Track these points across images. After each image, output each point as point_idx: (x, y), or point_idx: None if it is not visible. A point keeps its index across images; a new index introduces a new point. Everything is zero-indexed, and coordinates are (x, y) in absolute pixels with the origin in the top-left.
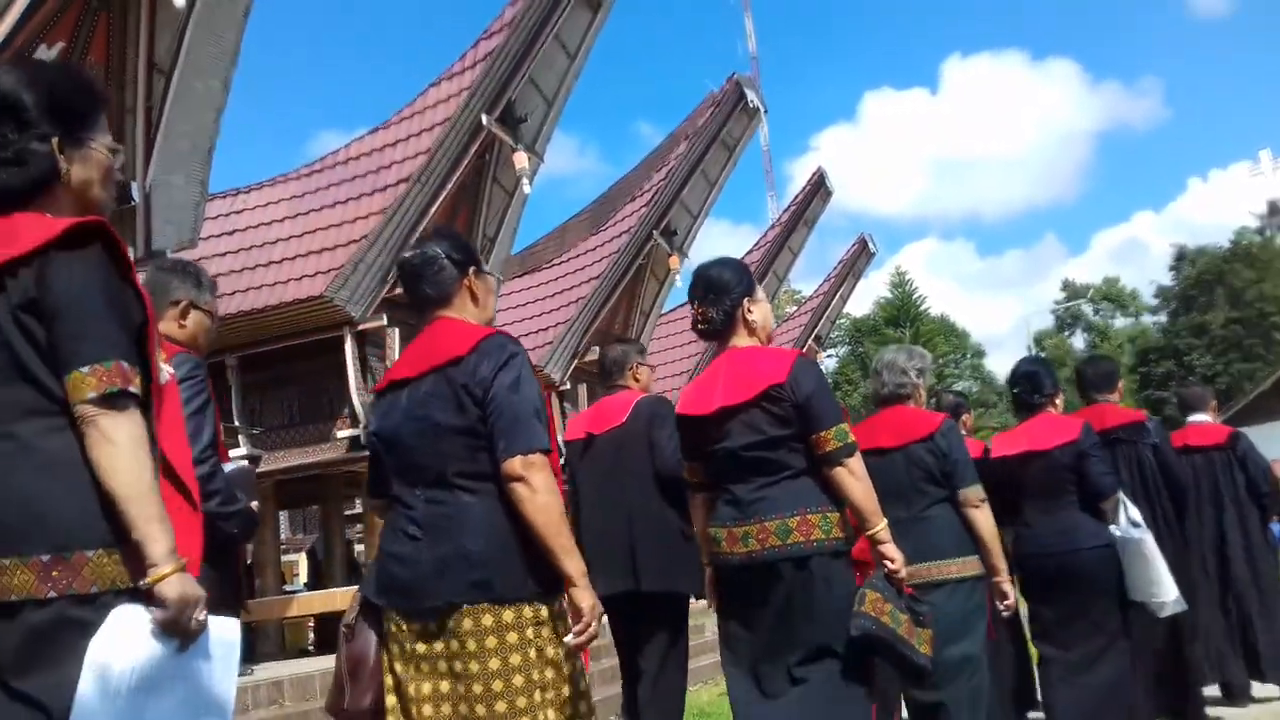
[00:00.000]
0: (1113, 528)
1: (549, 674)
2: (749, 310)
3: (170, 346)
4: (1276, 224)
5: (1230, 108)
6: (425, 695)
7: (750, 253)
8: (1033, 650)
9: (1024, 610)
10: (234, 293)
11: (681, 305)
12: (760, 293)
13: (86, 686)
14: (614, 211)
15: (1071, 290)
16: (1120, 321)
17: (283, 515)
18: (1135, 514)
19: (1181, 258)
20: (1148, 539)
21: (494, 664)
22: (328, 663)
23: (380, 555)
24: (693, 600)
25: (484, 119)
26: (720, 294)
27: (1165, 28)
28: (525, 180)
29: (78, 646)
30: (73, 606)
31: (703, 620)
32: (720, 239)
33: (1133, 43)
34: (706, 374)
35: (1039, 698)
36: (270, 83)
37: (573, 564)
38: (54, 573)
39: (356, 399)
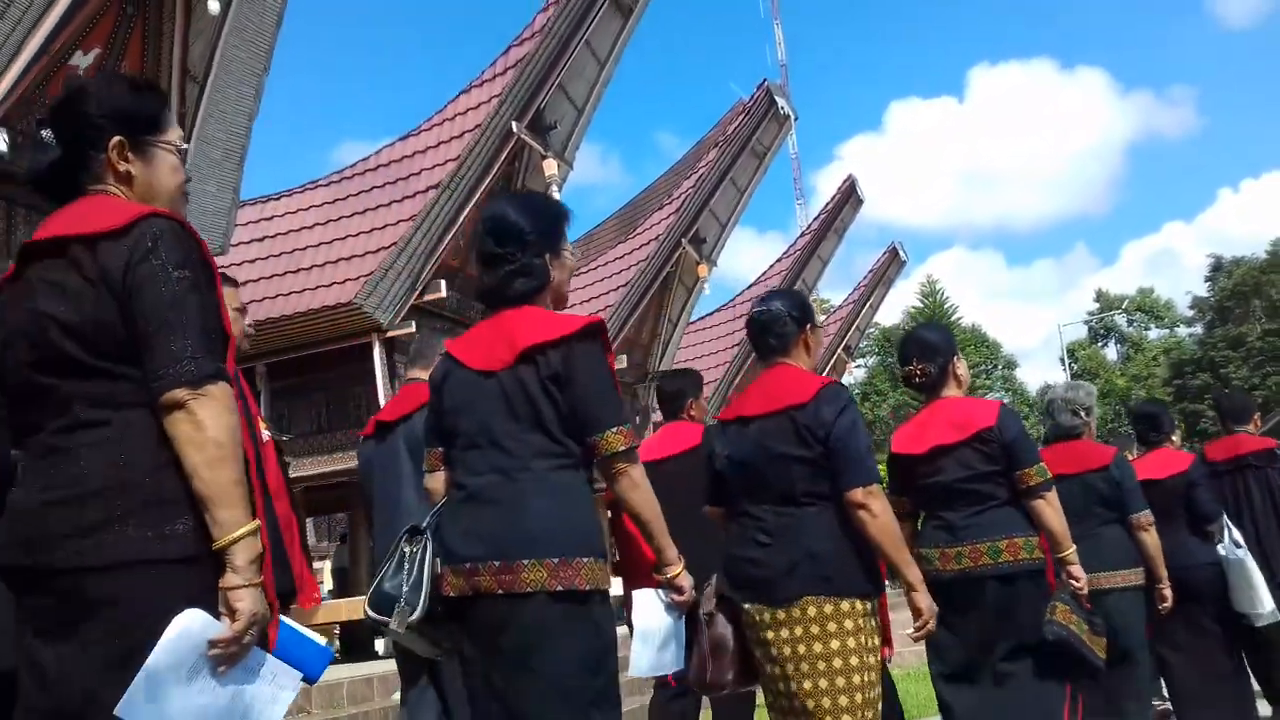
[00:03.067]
0: (1219, 547)
1: (872, 658)
2: (957, 367)
3: None
4: None
5: (1262, 118)
6: (775, 675)
7: (779, 261)
8: None
9: None
10: (264, 299)
11: (710, 314)
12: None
13: (637, 642)
14: (642, 219)
15: (1105, 301)
16: (1155, 333)
17: (310, 522)
18: (1238, 535)
19: (1218, 268)
20: (1248, 559)
21: (835, 644)
22: (354, 671)
23: (731, 557)
24: None
25: (514, 126)
26: (934, 353)
27: (1196, 38)
28: (555, 187)
29: (573, 629)
30: (571, 600)
31: None
32: (746, 247)
33: (1163, 52)
34: (919, 419)
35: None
36: (291, 93)
37: (912, 573)
38: (561, 573)
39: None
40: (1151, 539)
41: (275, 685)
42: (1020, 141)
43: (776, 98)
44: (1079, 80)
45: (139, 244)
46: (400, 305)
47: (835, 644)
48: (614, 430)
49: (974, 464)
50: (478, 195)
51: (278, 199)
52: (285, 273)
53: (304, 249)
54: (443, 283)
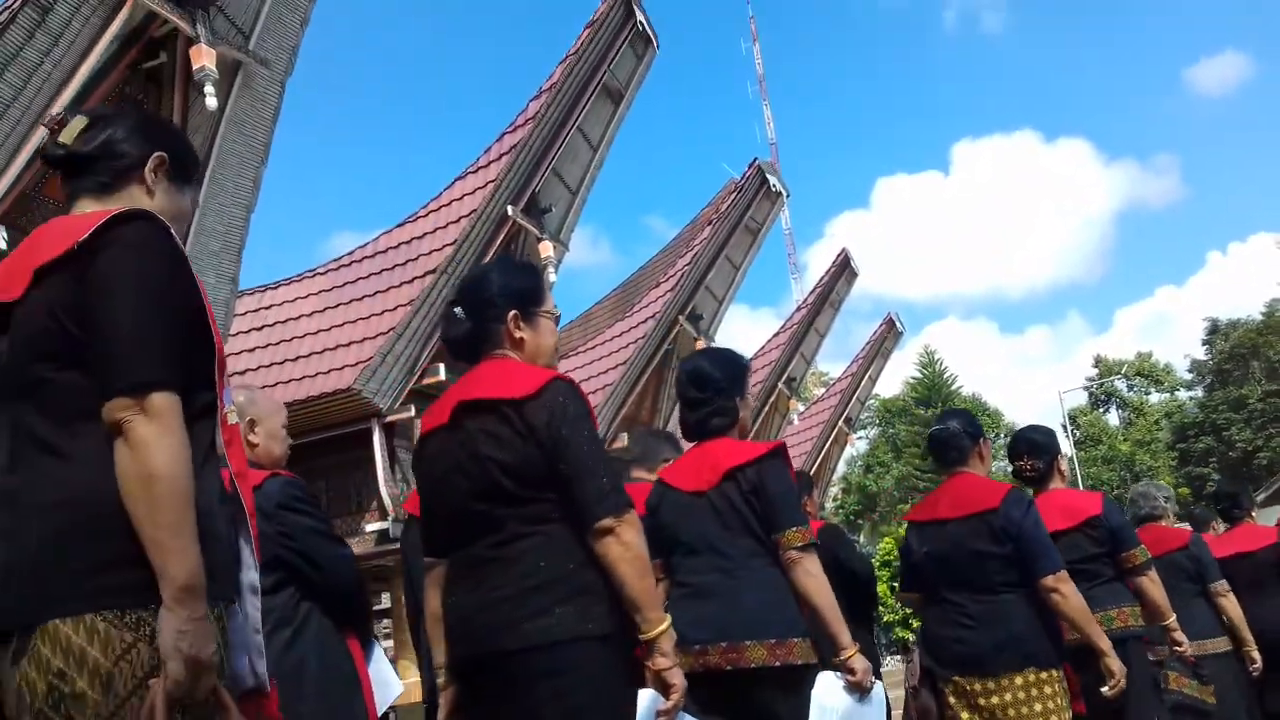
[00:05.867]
0: None
1: (1067, 714)
2: (1060, 463)
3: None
4: None
5: (1245, 182)
6: None
7: (777, 335)
8: None
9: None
10: (263, 387)
11: None
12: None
13: (814, 714)
14: (639, 297)
15: (1104, 366)
16: (1155, 397)
17: None
18: None
19: (1214, 331)
20: None
21: (1038, 707)
22: None
23: (936, 636)
24: None
25: (509, 210)
26: (1043, 451)
27: (1176, 107)
28: (551, 269)
29: (789, 697)
30: (788, 674)
31: None
32: (740, 323)
33: (1145, 121)
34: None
35: None
36: (283, 184)
37: (1104, 642)
38: (778, 650)
39: (385, 491)
40: (1231, 604)
41: None
42: (1007, 212)
43: (768, 175)
44: (1063, 151)
45: (554, 405)
46: (399, 390)
47: (1038, 706)
48: (793, 529)
49: (1084, 546)
50: None
51: (275, 288)
52: (284, 360)
53: (302, 336)
54: (441, 366)
